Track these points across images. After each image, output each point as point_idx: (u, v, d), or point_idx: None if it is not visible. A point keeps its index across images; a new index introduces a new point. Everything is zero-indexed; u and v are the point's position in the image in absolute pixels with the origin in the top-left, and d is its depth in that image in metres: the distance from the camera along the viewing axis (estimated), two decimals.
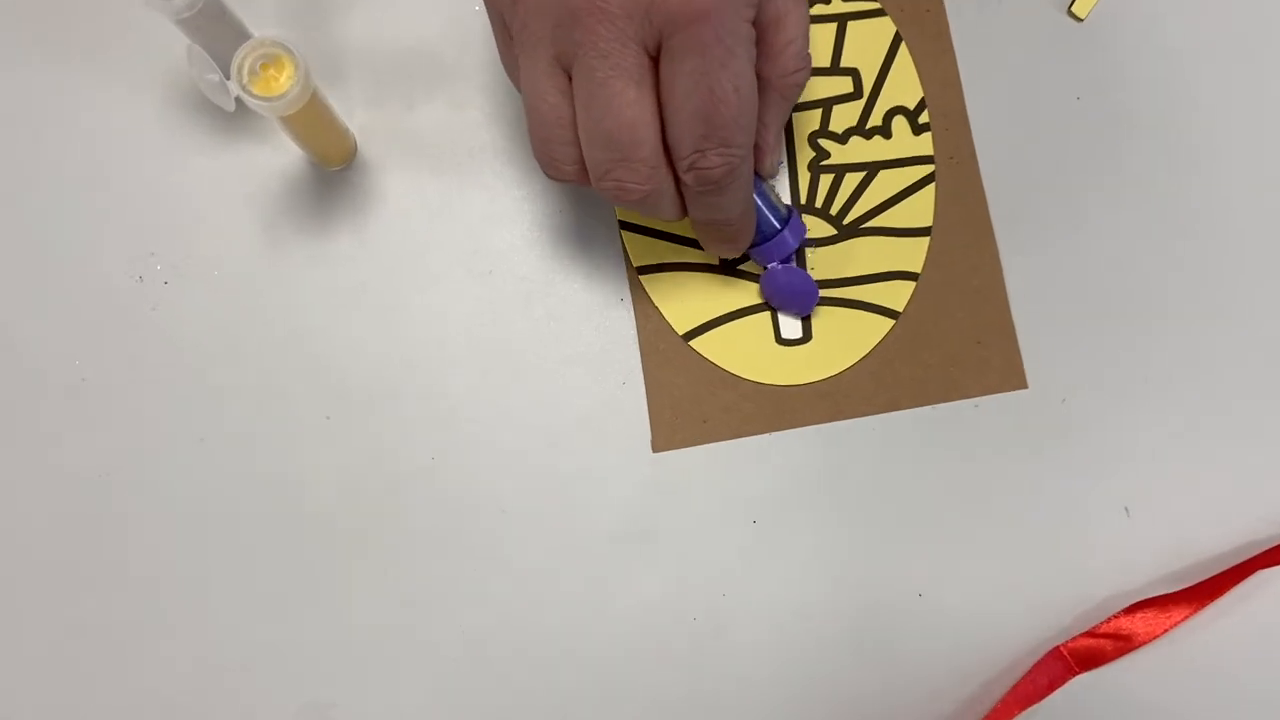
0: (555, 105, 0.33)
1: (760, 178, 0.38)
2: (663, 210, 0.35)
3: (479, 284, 0.41)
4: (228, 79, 0.34)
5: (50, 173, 0.41)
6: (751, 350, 0.41)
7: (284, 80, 0.34)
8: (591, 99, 0.32)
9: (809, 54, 0.35)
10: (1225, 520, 0.40)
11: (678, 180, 0.34)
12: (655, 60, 0.32)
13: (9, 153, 0.41)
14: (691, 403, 0.41)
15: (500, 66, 0.42)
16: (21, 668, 0.39)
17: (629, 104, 0.31)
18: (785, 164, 0.42)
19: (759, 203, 0.38)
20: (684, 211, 0.36)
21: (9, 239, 0.41)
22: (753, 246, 0.39)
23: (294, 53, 0.34)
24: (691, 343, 0.41)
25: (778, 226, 0.39)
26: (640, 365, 0.41)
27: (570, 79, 0.32)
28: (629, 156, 0.32)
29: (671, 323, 0.41)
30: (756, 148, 0.36)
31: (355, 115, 0.41)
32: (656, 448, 0.40)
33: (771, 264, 0.40)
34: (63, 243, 0.41)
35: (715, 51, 0.31)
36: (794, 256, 0.40)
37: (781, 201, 0.39)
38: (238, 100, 0.34)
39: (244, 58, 0.34)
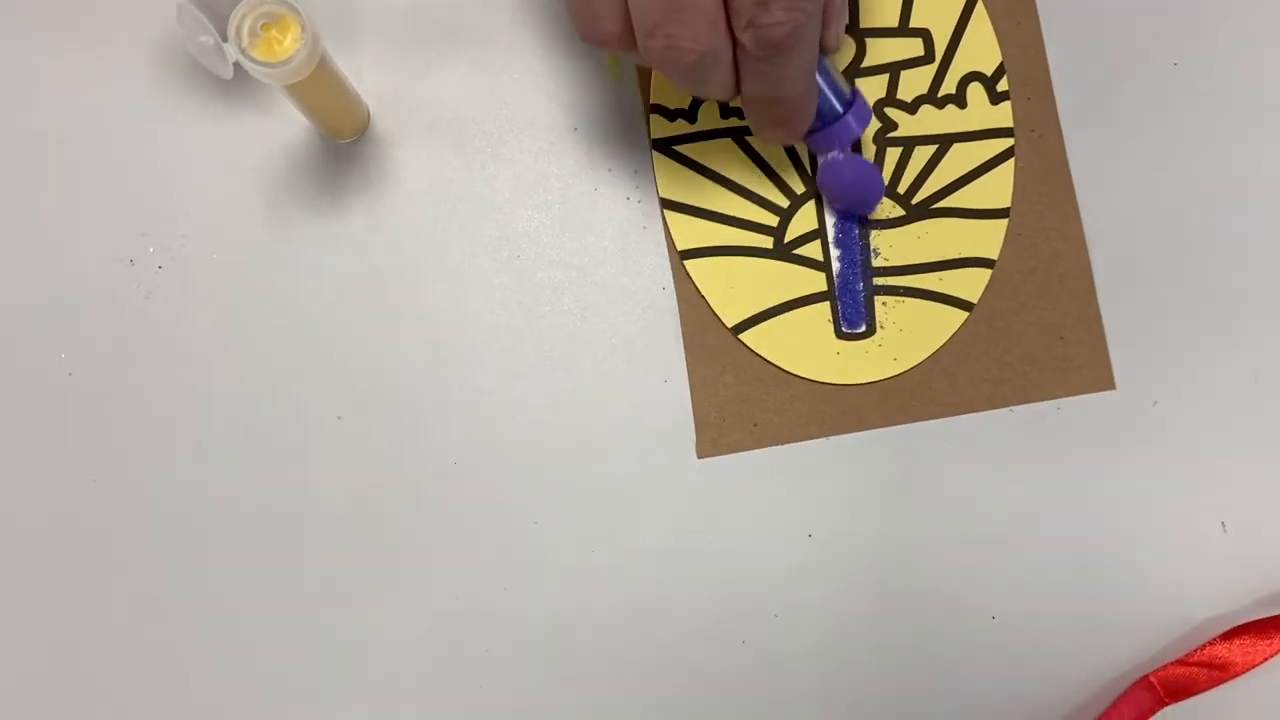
0: None
1: (823, 51, 0.35)
2: (714, 82, 0.32)
3: (504, 271, 0.38)
4: (224, 41, 0.30)
5: (30, 146, 0.38)
6: (808, 345, 0.38)
7: (288, 43, 0.31)
8: None
9: None
10: None
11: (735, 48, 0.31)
12: None
13: None
14: (740, 404, 0.38)
15: (528, 27, 0.38)
16: (9, 690, 0.36)
17: None
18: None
19: (820, 80, 0.34)
20: (737, 87, 0.32)
21: None
22: (811, 133, 0.36)
23: (300, 11, 0.31)
24: (741, 336, 0.38)
25: (840, 109, 0.35)
26: (684, 362, 0.38)
27: None
28: (684, 6, 0.29)
29: (719, 314, 0.38)
30: (824, 11, 0.33)
31: (367, 81, 0.38)
32: (702, 454, 0.38)
33: (831, 152, 0.36)
34: (45, 223, 0.38)
35: None
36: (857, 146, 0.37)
37: (845, 80, 0.36)
38: (236, 66, 0.31)
39: (243, 17, 0.30)
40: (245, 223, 0.38)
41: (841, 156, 0.36)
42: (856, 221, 0.38)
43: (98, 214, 0.38)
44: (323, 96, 0.35)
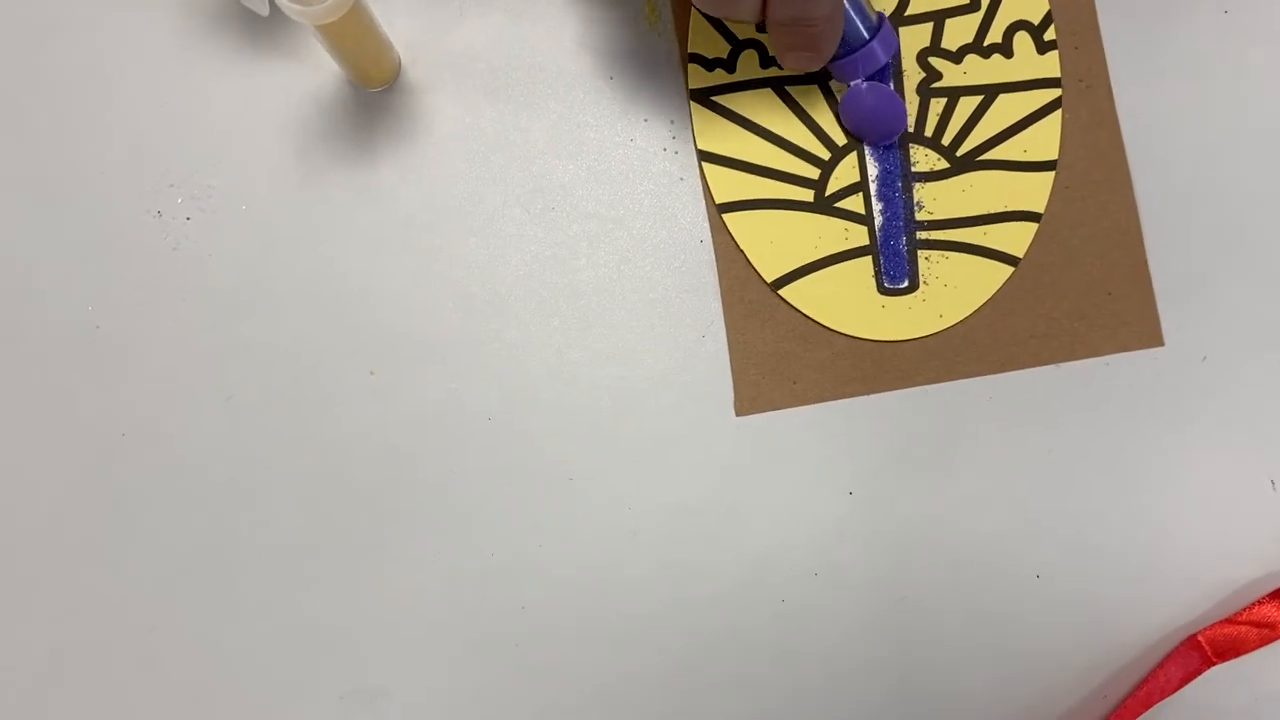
0: None
1: None
2: (743, 4, 0.32)
3: (538, 223, 0.38)
4: None
5: (57, 94, 0.38)
6: (849, 300, 0.38)
7: None
8: None
9: None
10: None
11: None
12: None
13: (14, 74, 0.38)
14: (779, 360, 0.38)
15: None
16: (34, 647, 0.36)
17: None
18: None
19: (846, 4, 0.35)
20: (763, 9, 0.32)
21: (12, 170, 0.37)
22: (835, 59, 0.36)
23: None
24: (780, 291, 0.38)
25: (866, 36, 0.35)
26: (722, 317, 0.37)
27: None
28: None
29: (758, 268, 0.38)
30: None
31: (399, 29, 0.38)
32: (740, 411, 0.37)
33: (855, 81, 0.36)
34: (72, 173, 0.38)
35: None
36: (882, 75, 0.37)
37: (871, 6, 0.36)
38: (272, 5, 0.30)
39: None
40: (274, 173, 0.37)
41: (865, 85, 0.36)
42: (900, 174, 0.38)
43: (125, 165, 0.37)
44: (355, 40, 0.34)
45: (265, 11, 0.30)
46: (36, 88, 0.37)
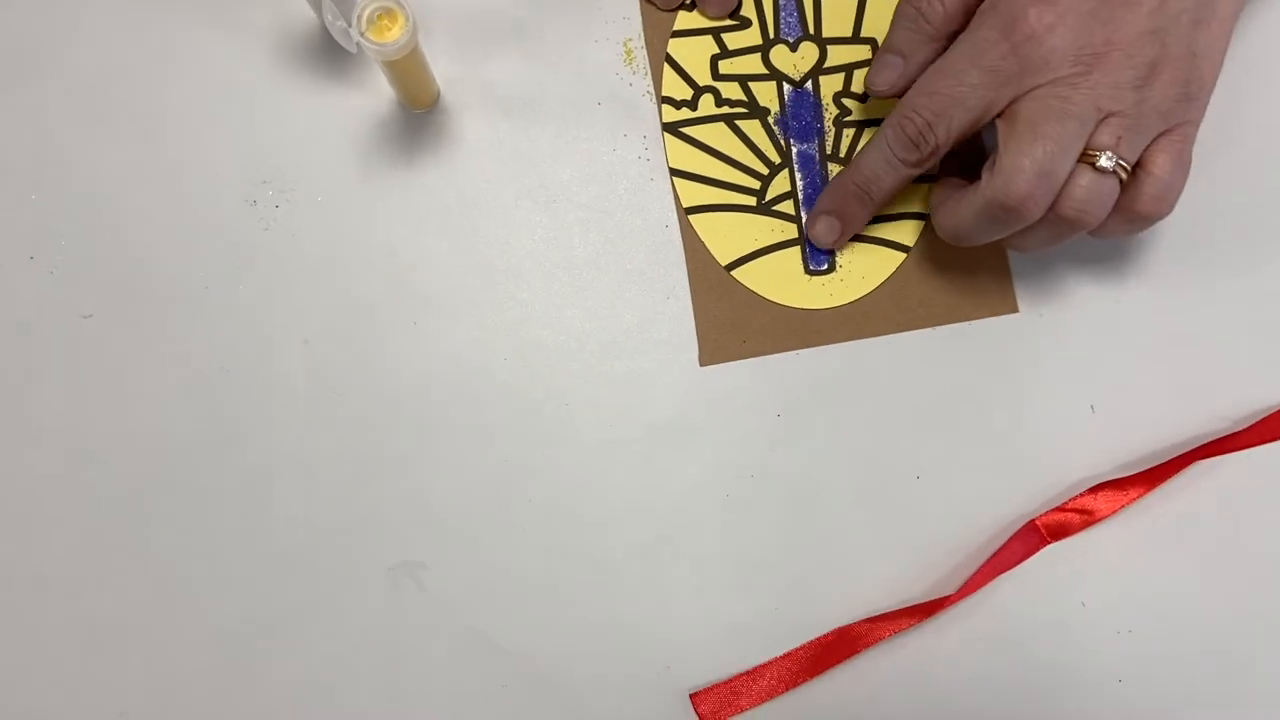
0: None
1: None
2: None
3: (544, 211, 0.47)
4: (349, 26, 0.40)
5: (180, 111, 0.46)
6: (784, 279, 0.46)
7: (396, 30, 0.40)
8: None
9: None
10: (1175, 417, 0.46)
11: None
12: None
13: (145, 94, 0.46)
14: (733, 324, 0.46)
15: (561, 32, 0.47)
16: (152, 517, 0.45)
17: None
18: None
19: None
20: None
21: (145, 169, 0.46)
22: None
23: (405, 7, 0.40)
24: (733, 273, 0.46)
25: None
26: (685, 282, 0.46)
27: None
28: None
29: (715, 255, 0.46)
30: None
31: (440, 65, 0.47)
32: (703, 363, 0.46)
33: None
34: (190, 171, 0.46)
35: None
36: None
37: None
38: (357, 46, 0.40)
39: (364, 9, 0.40)
40: (343, 173, 0.46)
41: None
42: (821, 185, 0.46)
43: (229, 164, 0.46)
44: (410, 73, 0.44)
45: (354, 50, 0.41)
46: (161, 105, 0.46)
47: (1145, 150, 0.39)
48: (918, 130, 0.41)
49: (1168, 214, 0.40)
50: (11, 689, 0.44)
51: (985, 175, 0.40)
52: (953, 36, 0.41)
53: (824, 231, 0.46)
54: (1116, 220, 0.40)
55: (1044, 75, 0.38)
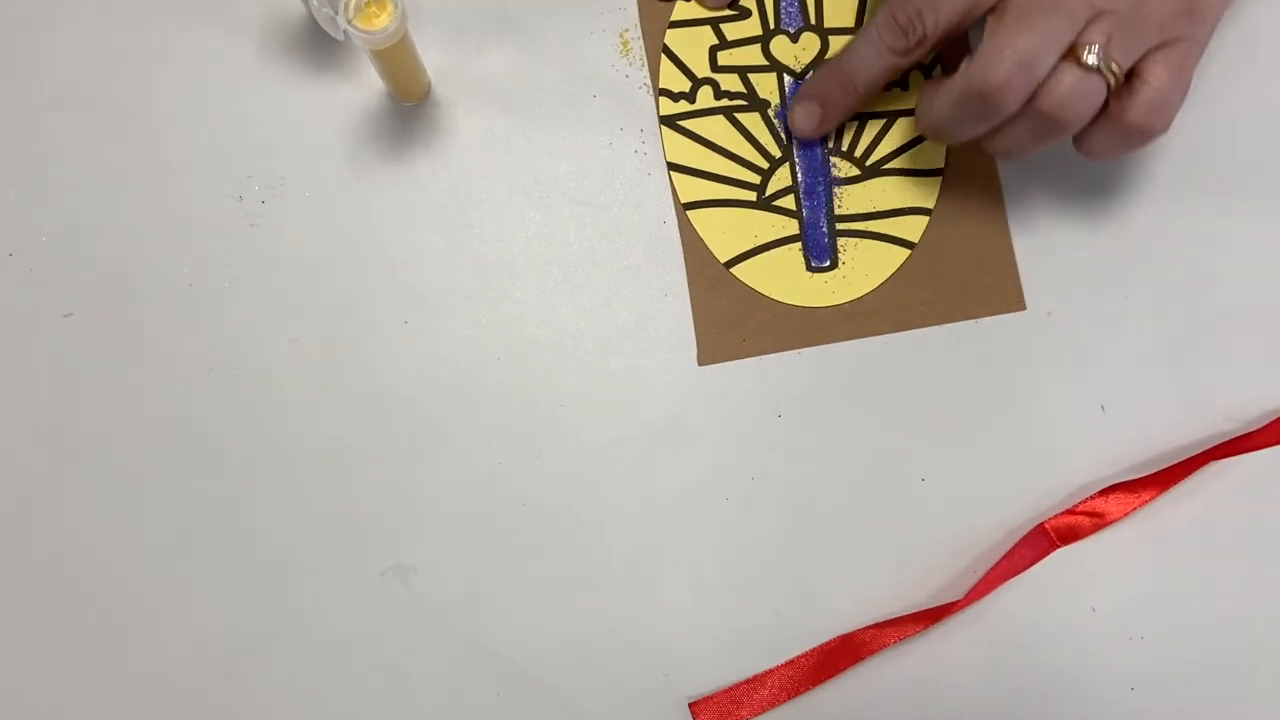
0: None
1: None
2: None
3: (538, 207, 0.46)
4: (336, 14, 0.39)
5: (163, 104, 0.46)
6: (785, 276, 0.46)
7: (384, 17, 0.39)
8: None
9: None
10: (1186, 418, 0.45)
11: None
12: None
13: (127, 86, 0.46)
14: (732, 322, 0.45)
15: (557, 23, 0.46)
16: (135, 520, 0.44)
17: None
18: None
19: None
20: None
21: (128, 163, 0.45)
22: None
23: None
24: (732, 270, 0.46)
25: None
26: (683, 280, 0.45)
27: None
28: None
29: (714, 252, 0.46)
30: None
31: (431, 56, 0.46)
32: (702, 361, 0.45)
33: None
34: (174, 166, 0.45)
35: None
36: None
37: None
38: (344, 33, 0.39)
39: None
40: (332, 168, 0.45)
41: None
42: (823, 179, 0.46)
43: (214, 159, 0.45)
44: (400, 63, 0.43)
45: (341, 38, 0.40)
46: (144, 97, 0.45)
47: (1142, 60, 0.38)
48: (908, 17, 0.41)
49: (1163, 130, 0.39)
50: None
51: (964, 63, 0.39)
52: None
53: (803, 117, 0.45)
54: (1108, 131, 0.40)
55: None
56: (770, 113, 0.47)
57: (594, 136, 0.46)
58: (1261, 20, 0.47)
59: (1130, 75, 0.39)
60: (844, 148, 0.47)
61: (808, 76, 0.46)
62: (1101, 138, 0.40)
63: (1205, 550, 0.45)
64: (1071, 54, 0.38)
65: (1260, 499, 0.45)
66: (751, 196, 0.46)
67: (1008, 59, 0.38)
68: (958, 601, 0.43)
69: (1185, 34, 0.38)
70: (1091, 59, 0.38)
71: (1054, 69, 0.38)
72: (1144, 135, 0.39)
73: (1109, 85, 0.38)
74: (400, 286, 0.45)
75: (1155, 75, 0.38)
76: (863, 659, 0.43)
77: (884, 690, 0.44)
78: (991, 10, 0.39)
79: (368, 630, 0.44)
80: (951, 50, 0.46)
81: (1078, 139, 0.41)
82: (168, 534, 0.44)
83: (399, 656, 0.44)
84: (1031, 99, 0.39)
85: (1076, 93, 0.38)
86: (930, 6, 0.40)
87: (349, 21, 0.39)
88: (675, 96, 0.47)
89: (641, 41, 0.47)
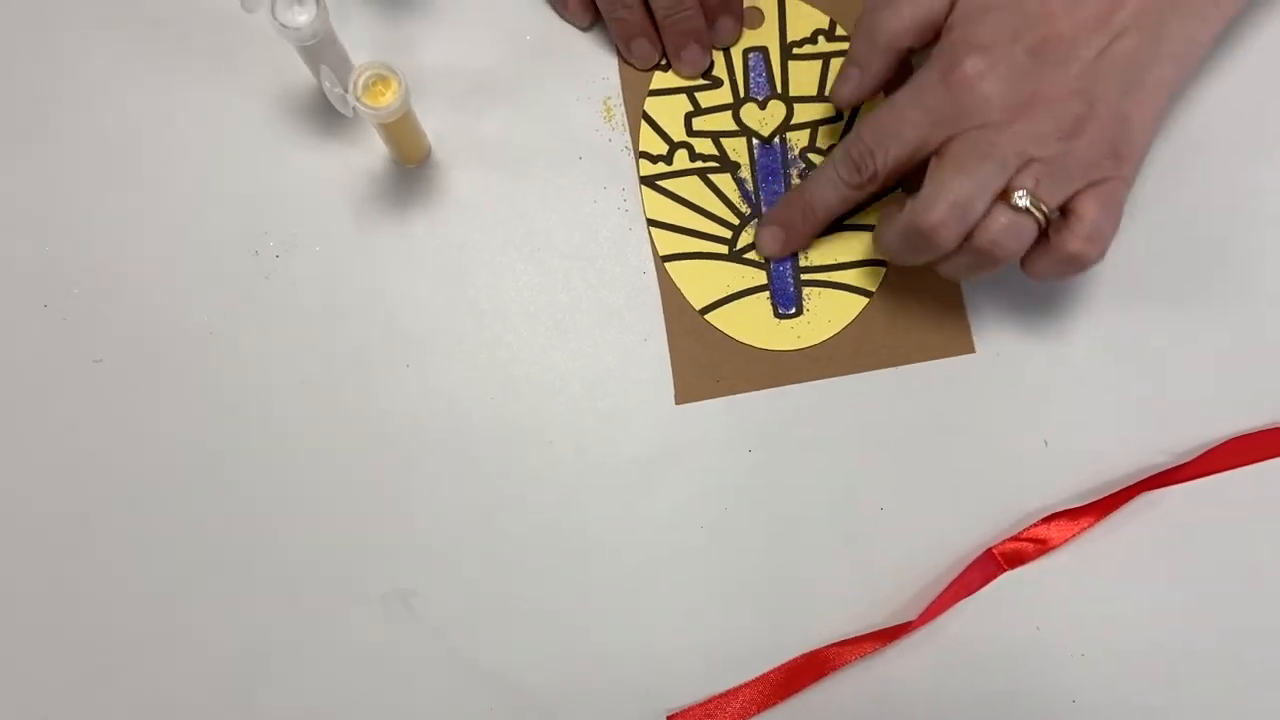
0: None
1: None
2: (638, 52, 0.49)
3: (529, 260, 0.49)
4: (345, 91, 0.43)
5: (187, 168, 0.49)
6: (755, 323, 0.49)
7: (389, 95, 0.43)
8: None
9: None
10: (1123, 451, 0.48)
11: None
12: None
13: (153, 150, 0.49)
14: (707, 364, 0.48)
15: (545, 91, 0.50)
16: (157, 545, 0.47)
17: None
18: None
19: None
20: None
21: (154, 221, 0.49)
22: None
23: (398, 74, 0.43)
24: (707, 317, 0.49)
25: None
26: (661, 326, 0.49)
27: None
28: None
29: (690, 300, 0.49)
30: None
31: (430, 122, 0.49)
32: (679, 400, 0.48)
33: None
34: (196, 223, 0.49)
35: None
36: None
37: None
38: (353, 110, 0.43)
39: (359, 75, 0.43)
40: (340, 225, 0.49)
41: None
42: None
43: (232, 216, 0.49)
44: (403, 132, 0.47)
45: (350, 114, 0.44)
46: (170, 161, 0.49)
47: (1074, 197, 0.42)
48: (860, 155, 0.44)
49: (1098, 258, 0.43)
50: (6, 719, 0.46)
51: (909, 203, 0.43)
52: (905, 53, 0.45)
53: (768, 240, 0.49)
54: (1048, 260, 0.43)
55: (975, 119, 0.41)
56: (740, 173, 0.51)
57: (580, 195, 0.50)
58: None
59: (1066, 211, 0.42)
60: None
61: (775, 202, 0.49)
62: (1043, 265, 0.44)
63: (1140, 573, 0.48)
64: (1004, 197, 0.42)
65: (1190, 526, 0.48)
66: (723, 250, 0.49)
67: (943, 202, 0.41)
68: (913, 621, 0.46)
69: (1112, 173, 0.42)
70: (1022, 202, 0.41)
71: (988, 210, 0.41)
72: (1081, 263, 0.43)
73: (1039, 224, 0.42)
74: (402, 332, 0.48)
75: (1087, 211, 0.42)
76: (826, 675, 0.46)
77: (845, 704, 0.47)
78: (935, 152, 0.43)
79: (370, 649, 0.47)
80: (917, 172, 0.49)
81: (1022, 264, 0.44)
82: (182, 563, 0.47)
83: (397, 674, 0.47)
84: (969, 236, 0.42)
85: (1008, 232, 0.42)
86: (880, 146, 0.43)
87: (357, 99, 0.43)
88: (654, 158, 0.50)
89: (623, 108, 0.51)
